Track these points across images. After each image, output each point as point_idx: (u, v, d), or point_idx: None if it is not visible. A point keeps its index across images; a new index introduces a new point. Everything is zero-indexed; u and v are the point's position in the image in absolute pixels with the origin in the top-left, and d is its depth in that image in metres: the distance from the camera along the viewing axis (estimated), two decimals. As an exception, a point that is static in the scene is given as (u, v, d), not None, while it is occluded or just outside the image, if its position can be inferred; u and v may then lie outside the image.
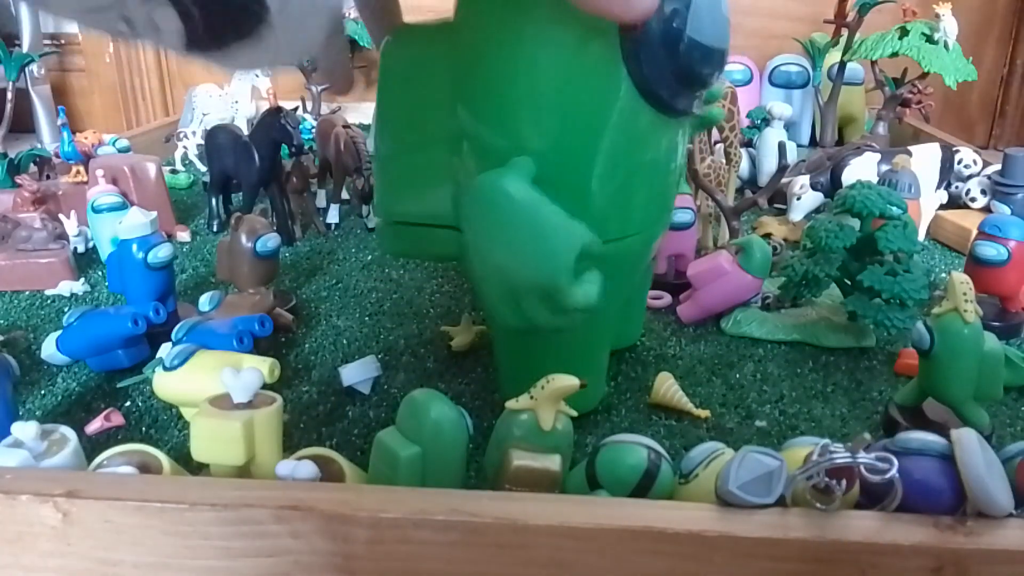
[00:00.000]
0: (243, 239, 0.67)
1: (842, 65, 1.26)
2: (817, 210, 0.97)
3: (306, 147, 0.94)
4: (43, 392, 0.60)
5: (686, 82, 0.46)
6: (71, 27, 1.69)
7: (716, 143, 0.89)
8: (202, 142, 1.15)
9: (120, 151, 1.02)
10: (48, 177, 1.02)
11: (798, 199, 0.96)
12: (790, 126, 1.27)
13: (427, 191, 0.54)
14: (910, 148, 0.98)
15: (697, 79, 0.46)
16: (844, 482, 0.36)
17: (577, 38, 0.44)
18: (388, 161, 0.55)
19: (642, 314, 0.67)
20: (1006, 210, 0.92)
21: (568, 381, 0.41)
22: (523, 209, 0.43)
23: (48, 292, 0.78)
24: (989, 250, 0.67)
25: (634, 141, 0.47)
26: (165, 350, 0.55)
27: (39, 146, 1.19)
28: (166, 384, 0.52)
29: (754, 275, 0.68)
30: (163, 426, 0.56)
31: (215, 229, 0.98)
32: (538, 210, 0.43)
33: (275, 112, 0.88)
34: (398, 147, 0.54)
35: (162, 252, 0.64)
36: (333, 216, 1.00)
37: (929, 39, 1.13)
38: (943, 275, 0.84)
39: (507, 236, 0.43)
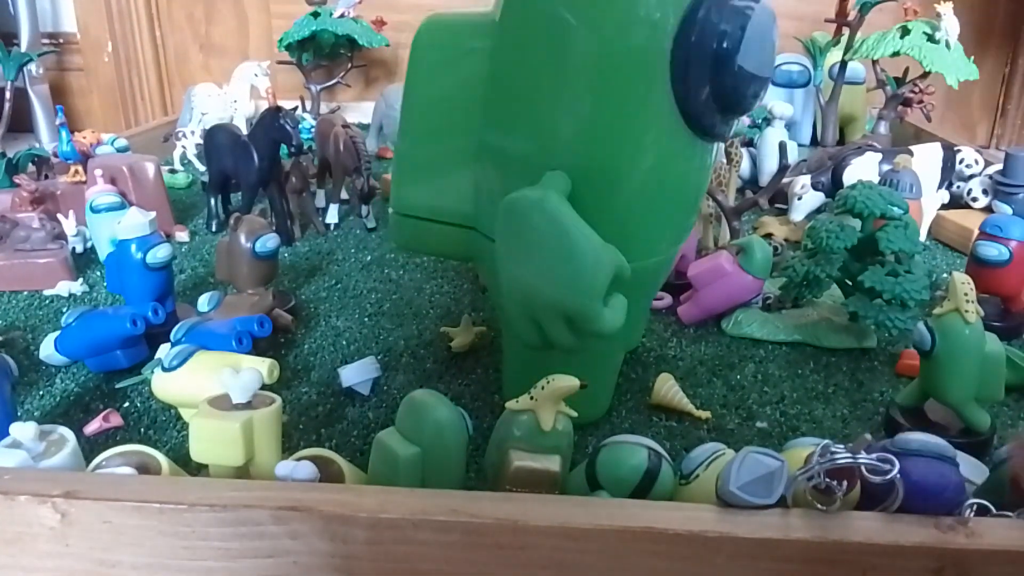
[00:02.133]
0: (242, 239, 0.67)
1: (843, 64, 1.25)
2: (818, 210, 0.97)
3: (305, 147, 0.94)
4: (41, 393, 0.60)
5: (729, 108, 0.46)
6: (70, 26, 1.69)
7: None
8: (201, 142, 1.15)
9: (119, 151, 1.02)
10: (46, 177, 1.01)
11: (799, 199, 0.96)
12: (791, 126, 1.27)
13: (445, 187, 0.53)
14: (911, 148, 0.97)
15: (740, 106, 0.46)
16: (845, 483, 0.36)
17: (629, 58, 0.44)
18: (409, 152, 0.54)
19: (646, 318, 0.67)
20: (1008, 210, 0.92)
21: (568, 381, 0.41)
22: (559, 231, 0.42)
23: (46, 292, 0.78)
24: (991, 250, 0.67)
25: (672, 163, 0.47)
26: (164, 351, 0.55)
27: (37, 146, 1.18)
28: (165, 385, 0.52)
29: (755, 276, 0.68)
30: (162, 427, 0.56)
31: (214, 229, 0.97)
32: (574, 234, 0.42)
33: (274, 112, 0.88)
34: (421, 138, 0.53)
35: (161, 252, 0.64)
36: (332, 216, 1.00)
37: (930, 38, 1.13)
38: (944, 275, 0.83)
39: (540, 256, 0.43)
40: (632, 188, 0.47)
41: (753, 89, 0.45)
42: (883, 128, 1.25)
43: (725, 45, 0.43)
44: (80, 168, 0.95)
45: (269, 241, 0.68)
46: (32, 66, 1.54)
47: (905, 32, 1.15)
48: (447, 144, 0.52)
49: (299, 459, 0.42)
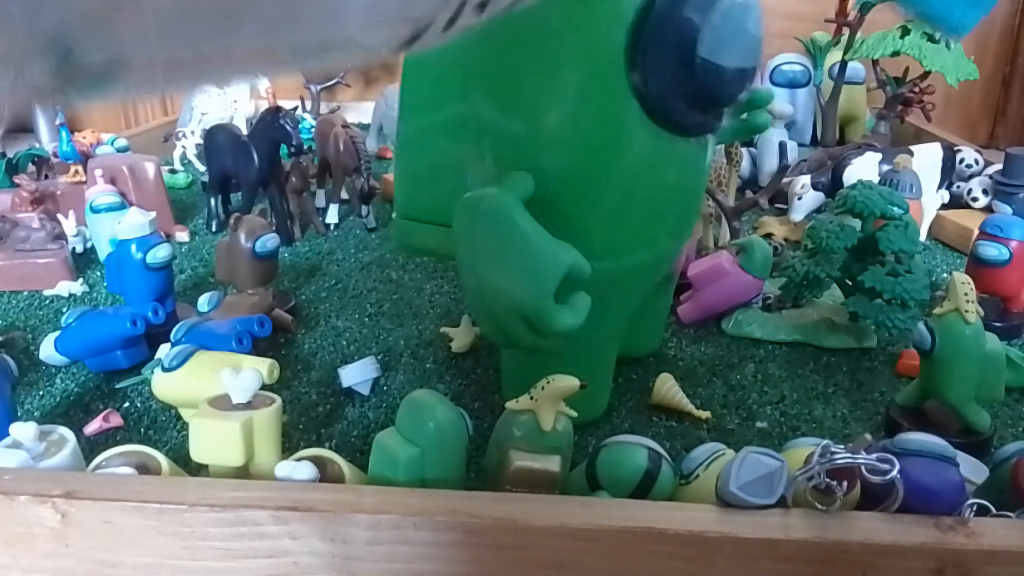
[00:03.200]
0: (242, 239, 0.67)
1: (843, 64, 1.25)
2: (818, 210, 0.97)
3: (305, 147, 0.94)
4: (42, 393, 0.60)
5: (701, 103, 0.44)
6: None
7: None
8: (201, 142, 1.15)
9: (119, 151, 1.02)
10: (46, 177, 1.01)
11: (799, 199, 0.95)
12: (791, 125, 1.27)
13: (444, 189, 0.53)
14: (911, 148, 0.97)
15: (714, 100, 0.44)
16: (845, 483, 0.36)
17: (582, 55, 0.44)
18: (408, 157, 0.55)
19: (662, 324, 0.65)
20: (1008, 210, 0.92)
21: (568, 382, 0.41)
22: (507, 228, 0.42)
23: (46, 292, 0.78)
24: (991, 250, 0.67)
25: (641, 161, 0.46)
26: (164, 351, 0.55)
27: (37, 146, 1.18)
28: (165, 385, 0.52)
29: (755, 276, 0.68)
30: (162, 427, 0.56)
31: (214, 229, 0.97)
32: (523, 232, 0.42)
33: (274, 112, 0.88)
34: (419, 143, 0.54)
35: (161, 252, 0.64)
36: (332, 216, 1.00)
37: (930, 38, 1.13)
38: (944, 275, 0.83)
39: (491, 255, 0.43)
40: (601, 187, 0.46)
41: (726, 83, 0.43)
42: (883, 128, 1.24)
43: (683, 36, 0.41)
44: (80, 168, 0.95)
45: (269, 241, 0.68)
46: (32, 66, 1.54)
47: (905, 32, 1.15)
48: (444, 147, 0.52)
49: (299, 459, 0.42)
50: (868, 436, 0.37)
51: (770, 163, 1.10)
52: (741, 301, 0.70)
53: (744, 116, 0.58)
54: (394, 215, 0.57)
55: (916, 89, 1.22)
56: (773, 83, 1.40)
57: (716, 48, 0.41)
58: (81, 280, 0.80)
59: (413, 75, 0.53)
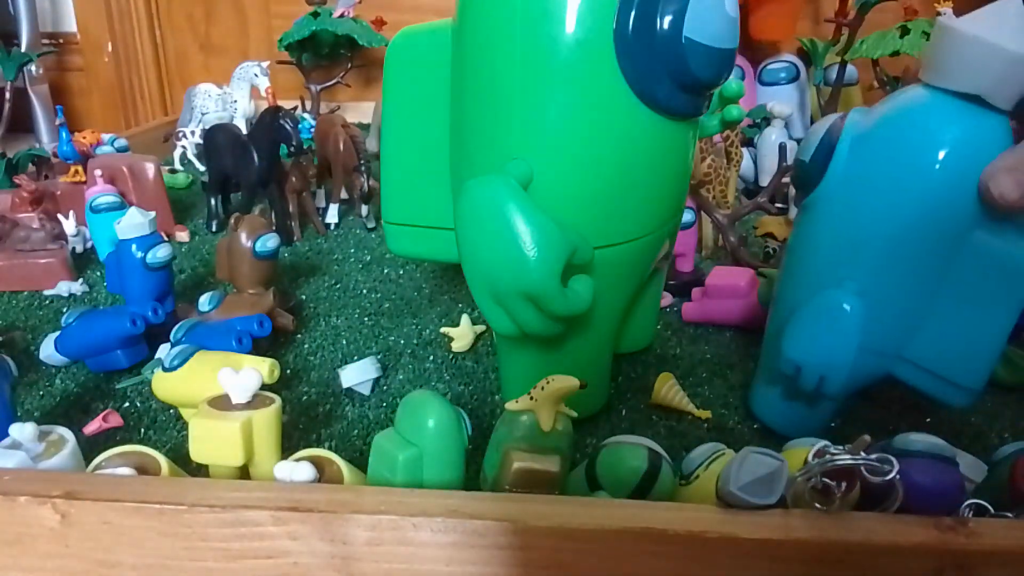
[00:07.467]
0: (243, 239, 0.67)
1: (843, 64, 1.25)
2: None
3: (305, 147, 0.94)
4: (41, 393, 0.60)
5: (686, 84, 0.45)
6: (70, 26, 1.69)
7: (716, 143, 0.89)
8: (201, 141, 1.15)
9: (118, 151, 1.02)
10: (46, 177, 1.01)
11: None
12: (786, 123, 1.27)
13: (430, 193, 0.54)
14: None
15: (699, 81, 0.45)
16: (844, 483, 0.36)
17: (571, 40, 0.44)
18: (392, 161, 0.55)
19: (653, 319, 0.66)
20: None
21: (568, 382, 0.41)
22: (510, 216, 0.42)
23: (46, 292, 0.78)
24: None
25: (633, 144, 0.47)
26: (164, 351, 0.55)
27: (37, 146, 1.18)
28: (165, 385, 0.52)
29: (765, 307, 0.67)
30: (161, 427, 0.56)
31: (214, 229, 0.98)
32: (526, 217, 0.42)
33: (274, 111, 0.88)
34: (402, 147, 0.54)
35: (161, 252, 0.64)
36: (332, 216, 1.00)
37: (930, 37, 1.13)
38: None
39: (495, 242, 0.43)
40: (594, 169, 0.46)
41: (710, 62, 0.44)
42: (882, 128, 1.24)
43: (668, 17, 0.42)
44: (80, 168, 0.95)
45: (269, 241, 0.68)
46: (32, 66, 1.54)
47: (905, 31, 1.15)
48: (427, 150, 0.53)
49: (298, 459, 0.42)
50: (867, 437, 0.37)
51: (770, 162, 1.10)
52: (744, 324, 0.69)
53: (718, 111, 0.58)
54: (383, 219, 0.58)
55: (916, 89, 1.22)
56: (762, 83, 1.40)
57: (701, 28, 0.43)
58: (81, 280, 0.80)
59: (394, 96, 0.54)
